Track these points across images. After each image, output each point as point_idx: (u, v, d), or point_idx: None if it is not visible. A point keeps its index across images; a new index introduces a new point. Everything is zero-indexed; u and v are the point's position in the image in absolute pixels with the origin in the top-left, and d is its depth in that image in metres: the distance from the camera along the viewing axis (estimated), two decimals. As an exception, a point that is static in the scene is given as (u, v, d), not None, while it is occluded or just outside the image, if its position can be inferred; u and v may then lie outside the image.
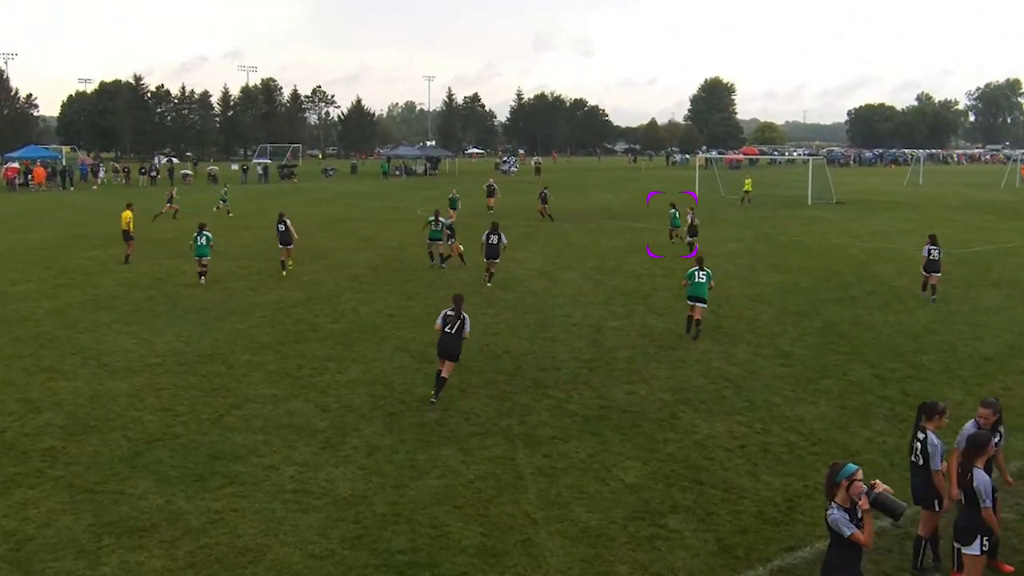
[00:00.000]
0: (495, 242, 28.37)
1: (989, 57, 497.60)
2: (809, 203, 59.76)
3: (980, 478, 8.85)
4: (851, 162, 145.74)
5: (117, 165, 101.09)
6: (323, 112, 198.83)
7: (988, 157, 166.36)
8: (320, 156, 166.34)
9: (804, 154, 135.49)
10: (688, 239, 36.56)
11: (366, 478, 12.80)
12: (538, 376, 17.93)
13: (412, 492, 12.31)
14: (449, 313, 16.41)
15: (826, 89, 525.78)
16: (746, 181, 62.99)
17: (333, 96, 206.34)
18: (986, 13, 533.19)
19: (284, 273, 30.35)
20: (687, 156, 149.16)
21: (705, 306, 21.65)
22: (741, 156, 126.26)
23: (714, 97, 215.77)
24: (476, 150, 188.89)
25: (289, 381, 17.65)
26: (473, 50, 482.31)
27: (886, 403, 16.15)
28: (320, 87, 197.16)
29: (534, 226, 43.64)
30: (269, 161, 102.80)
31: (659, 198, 60.19)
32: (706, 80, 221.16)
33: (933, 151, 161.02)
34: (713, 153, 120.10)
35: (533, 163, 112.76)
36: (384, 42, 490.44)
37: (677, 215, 39.06)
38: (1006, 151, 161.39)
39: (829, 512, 8.16)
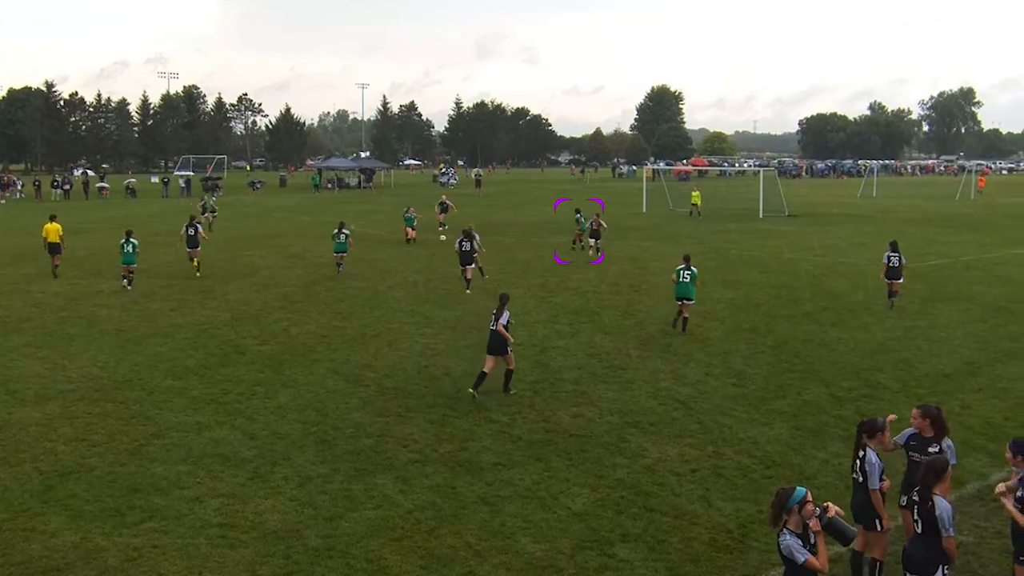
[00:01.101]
0: (468, 248, 30.43)
1: (943, 66, 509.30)
2: (761, 216, 60.53)
3: (942, 506, 8.94)
4: (803, 173, 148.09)
5: (13, 177, 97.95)
6: (250, 121, 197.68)
7: (942, 168, 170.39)
8: (247, 168, 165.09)
9: (754, 165, 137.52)
10: (592, 242, 40.08)
11: (297, 510, 12.66)
12: (480, 399, 17.88)
13: (346, 524, 12.21)
14: (495, 312, 18.11)
15: (778, 98, 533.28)
16: (693, 194, 63.82)
17: (260, 104, 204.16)
18: (940, 21, 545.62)
19: (198, 274, 33.53)
20: (634, 167, 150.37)
21: (692, 303, 24.14)
22: (690, 167, 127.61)
23: (661, 106, 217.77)
24: (413, 161, 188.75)
25: (214, 407, 17.43)
26: (411, 57, 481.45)
27: (841, 423, 16.36)
28: (246, 95, 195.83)
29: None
30: (192, 173, 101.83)
31: (565, 204, 61.35)
32: (653, 88, 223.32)
33: (887, 162, 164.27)
34: (661, 164, 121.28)
35: (473, 175, 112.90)
36: (316, 47, 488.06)
37: (582, 219, 42.52)
38: (960, 162, 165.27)
39: (781, 538, 8.25)
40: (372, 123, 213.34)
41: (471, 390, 17.91)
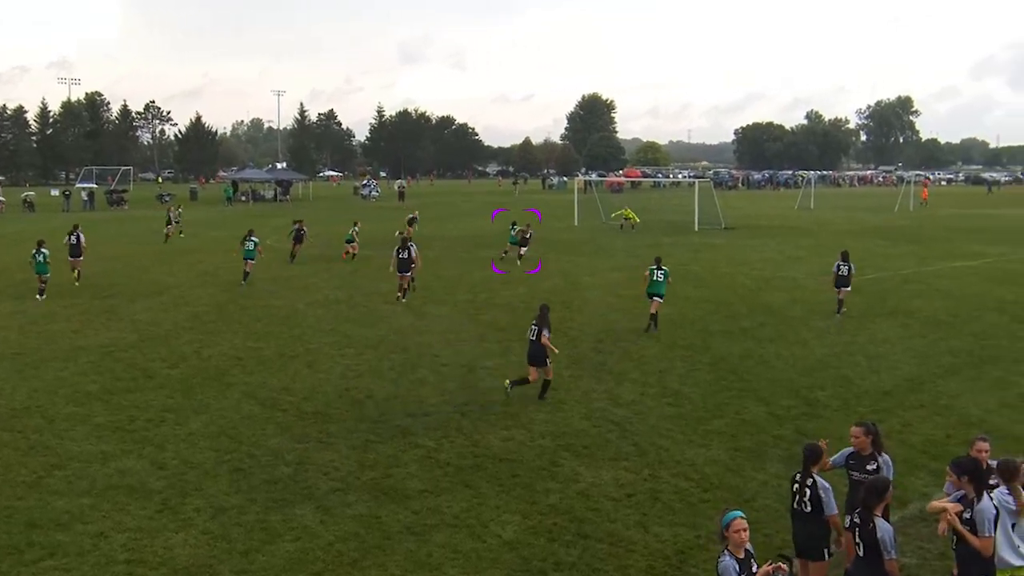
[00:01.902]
0: (406, 256, 32.00)
1: (881, 74, 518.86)
2: (696, 229, 61.21)
3: (884, 528, 9.10)
4: (739, 184, 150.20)
5: None
6: (158, 130, 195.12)
7: (881, 179, 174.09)
8: (158, 180, 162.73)
9: (689, 176, 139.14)
10: (521, 250, 43.05)
11: (210, 544, 12.48)
12: (405, 423, 17.83)
13: (263, 558, 12.07)
14: (533, 324, 19.45)
15: (714, 106, 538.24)
16: (625, 210, 64.10)
17: (169, 112, 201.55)
18: (878, 29, 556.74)
19: (77, 284, 34.90)
20: (565, 179, 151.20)
21: (662, 300, 26.91)
22: (623, 179, 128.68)
23: (593, 115, 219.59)
24: (332, 172, 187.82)
25: (120, 435, 17.13)
26: (331, 62, 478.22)
27: (781, 443, 16.57)
28: (154, 102, 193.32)
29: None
30: (95, 186, 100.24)
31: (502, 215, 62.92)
32: (584, 97, 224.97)
33: (824, 172, 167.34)
34: (593, 175, 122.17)
35: (396, 187, 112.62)
36: (231, 52, 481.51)
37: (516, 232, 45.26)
38: (899, 172, 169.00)
39: (720, 559, 8.38)
40: (289, 132, 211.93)
41: (507, 383, 19.50)
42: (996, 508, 9.38)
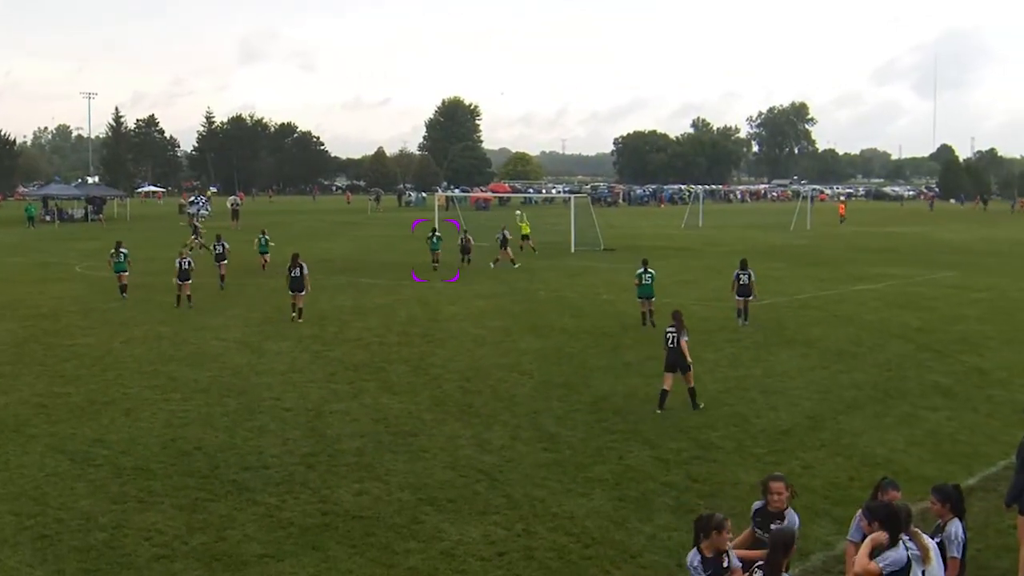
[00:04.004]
0: (298, 275, 34.07)
1: (775, 78, 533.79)
2: (572, 250, 61.86)
3: None
4: (620, 200, 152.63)
5: None
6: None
7: (775, 193, 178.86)
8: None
9: (564, 191, 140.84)
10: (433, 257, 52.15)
11: (9, 626, 12.09)
12: (241, 477, 17.56)
13: (73, 640, 11.72)
14: (669, 330, 21.57)
15: (593, 114, 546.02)
16: (522, 225, 64.19)
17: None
18: (773, 27, 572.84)
19: None
20: (424, 194, 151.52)
21: (653, 299, 32.66)
22: (489, 194, 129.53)
23: (455, 122, 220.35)
24: (154, 188, 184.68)
25: (-102, 500, 16.50)
26: (157, 61, 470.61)
27: (670, 491, 16.77)
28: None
29: (236, 284, 42.95)
30: None
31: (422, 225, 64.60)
32: (444, 101, 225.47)
33: (714, 187, 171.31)
34: (456, 191, 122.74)
35: (229, 204, 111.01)
36: (35, 50, 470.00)
37: (437, 239, 52.98)
38: (795, 186, 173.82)
39: None
40: (102, 141, 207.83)
41: (658, 411, 21.41)
42: (908, 558, 9.63)
